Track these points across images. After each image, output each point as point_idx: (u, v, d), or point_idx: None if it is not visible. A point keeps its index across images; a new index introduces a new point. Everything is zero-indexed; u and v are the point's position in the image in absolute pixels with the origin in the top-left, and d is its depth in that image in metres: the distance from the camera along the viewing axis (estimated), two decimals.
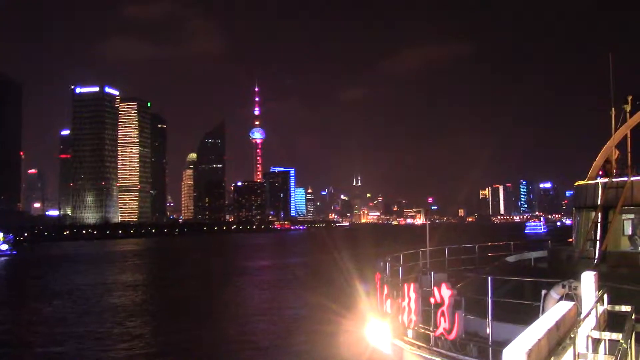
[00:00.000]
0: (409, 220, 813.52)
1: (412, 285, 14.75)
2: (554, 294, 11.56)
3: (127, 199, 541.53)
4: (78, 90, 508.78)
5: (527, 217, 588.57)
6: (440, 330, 13.36)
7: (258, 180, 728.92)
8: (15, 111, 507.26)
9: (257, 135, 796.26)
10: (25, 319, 57.64)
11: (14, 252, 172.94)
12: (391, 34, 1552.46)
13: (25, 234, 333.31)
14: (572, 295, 10.72)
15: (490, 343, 12.31)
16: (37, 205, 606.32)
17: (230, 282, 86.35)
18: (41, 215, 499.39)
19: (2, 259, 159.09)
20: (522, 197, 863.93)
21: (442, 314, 13.23)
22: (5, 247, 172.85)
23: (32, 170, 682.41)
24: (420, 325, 14.38)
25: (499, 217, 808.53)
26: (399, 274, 17.02)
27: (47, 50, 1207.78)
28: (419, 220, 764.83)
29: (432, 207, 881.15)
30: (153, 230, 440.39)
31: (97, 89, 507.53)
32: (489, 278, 12.59)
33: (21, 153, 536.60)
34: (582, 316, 9.23)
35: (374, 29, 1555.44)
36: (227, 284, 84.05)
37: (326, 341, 40.64)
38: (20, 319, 58.03)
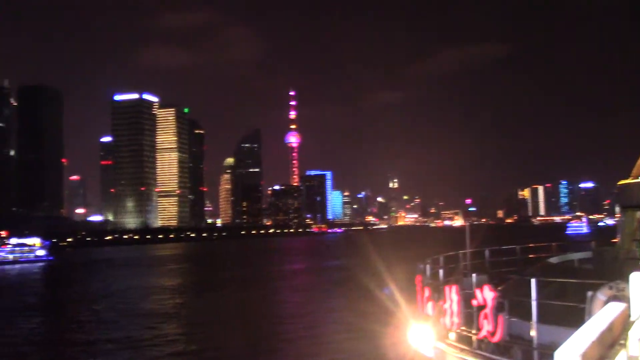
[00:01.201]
0: (447, 222, 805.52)
1: (453, 288, 14.66)
2: (601, 295, 11.35)
3: (167, 203, 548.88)
4: (117, 97, 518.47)
5: (568, 217, 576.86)
6: (483, 332, 13.23)
7: (295, 184, 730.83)
8: (57, 119, 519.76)
9: (293, 139, 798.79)
10: (63, 322, 58.78)
11: (51, 258, 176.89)
12: (427, 35, 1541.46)
13: (69, 239, 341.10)
14: (619, 297, 10.51)
15: (535, 346, 12.17)
16: (80, 211, 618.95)
17: (267, 286, 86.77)
18: (84, 221, 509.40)
19: (40, 264, 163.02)
20: (563, 197, 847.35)
21: (485, 316, 13.12)
22: (42, 252, 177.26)
23: (75, 177, 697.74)
24: (463, 328, 14.27)
25: (538, 218, 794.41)
26: (440, 276, 16.93)
27: (88, 58, 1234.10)
28: (457, 221, 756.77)
29: (470, 209, 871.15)
30: (192, 235, 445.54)
31: (136, 96, 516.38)
32: (533, 280, 12.44)
33: (64, 160, 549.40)
34: (632, 318, 8.85)
35: (409, 31, 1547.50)
36: (264, 288, 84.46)
37: (367, 345, 40.50)
38: (58, 323, 59.24)
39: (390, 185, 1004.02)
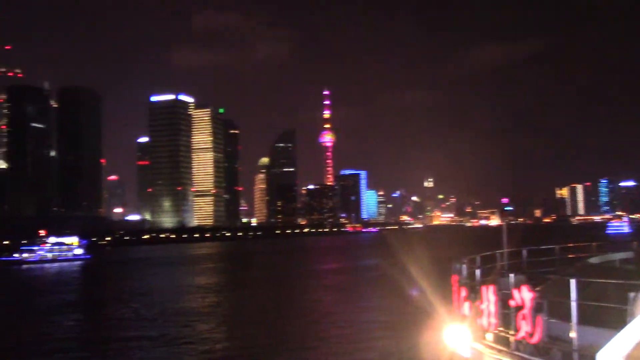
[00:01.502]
0: (483, 222, 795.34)
1: (490, 288, 14.45)
2: None
3: (202, 203, 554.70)
4: (154, 98, 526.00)
5: (608, 217, 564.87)
6: (521, 333, 13.00)
7: (329, 183, 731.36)
8: (96, 120, 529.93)
9: (327, 139, 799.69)
10: (100, 320, 59.76)
11: (88, 256, 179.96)
12: (459, 33, 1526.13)
13: (108, 239, 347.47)
14: None
15: (575, 347, 11.92)
16: (118, 210, 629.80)
17: (302, 285, 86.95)
18: (122, 220, 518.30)
19: (78, 262, 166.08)
20: (603, 197, 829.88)
21: (524, 317, 12.90)
22: (80, 251, 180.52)
23: (113, 177, 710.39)
24: (500, 329, 14.07)
25: (577, 218, 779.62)
26: (477, 276, 16.71)
27: (125, 60, 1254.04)
28: (494, 221, 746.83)
29: (507, 208, 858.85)
30: (227, 234, 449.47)
31: (172, 96, 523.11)
32: (573, 280, 12.19)
33: (102, 161, 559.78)
34: None
35: (441, 29, 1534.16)
36: (298, 287, 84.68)
37: (403, 345, 40.27)
38: (95, 320, 60.26)
39: (425, 184, 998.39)
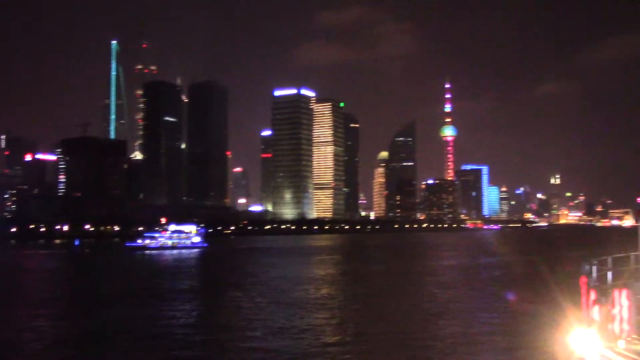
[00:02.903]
0: (615, 222, 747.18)
1: (623, 292, 13.45)
2: None
3: (322, 196, 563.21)
4: (277, 92, 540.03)
5: None
6: None
7: (449, 179, 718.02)
8: (222, 114, 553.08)
9: (448, 133, 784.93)
10: (215, 307, 61.87)
11: (206, 244, 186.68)
12: (589, 23, 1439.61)
13: (232, 228, 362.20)
14: None
15: None
16: (242, 201, 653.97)
17: (418, 280, 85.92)
18: (245, 211, 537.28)
19: (196, 250, 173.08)
20: None
21: None
22: (198, 239, 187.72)
23: (238, 169, 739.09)
24: (634, 336, 13.06)
25: None
26: (608, 279, 15.63)
27: (250, 56, 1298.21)
28: (627, 221, 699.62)
29: None
30: (346, 227, 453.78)
31: (294, 91, 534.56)
32: None
33: (228, 153, 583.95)
34: None
35: (569, 19, 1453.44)
36: (414, 282, 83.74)
37: (525, 349, 38.66)
38: (211, 307, 62.49)
39: (552, 181, 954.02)
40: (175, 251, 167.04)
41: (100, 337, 45.87)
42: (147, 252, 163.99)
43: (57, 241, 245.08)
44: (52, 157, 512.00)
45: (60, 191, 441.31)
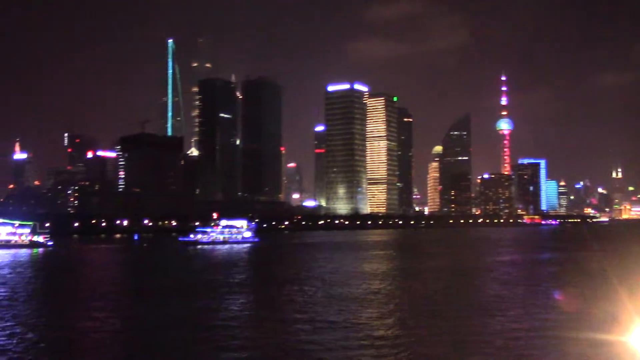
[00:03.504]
0: None
1: None
2: None
3: (376, 191, 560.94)
4: (330, 88, 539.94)
5: None
6: None
7: (506, 173, 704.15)
8: (276, 110, 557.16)
9: (504, 126, 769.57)
10: (265, 301, 62.48)
11: (257, 239, 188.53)
12: None
13: (286, 223, 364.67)
14: None
15: None
16: (295, 196, 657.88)
17: (471, 276, 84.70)
18: (299, 206, 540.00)
19: (246, 245, 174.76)
20: None
21: None
22: (249, 234, 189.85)
23: (292, 164, 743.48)
24: None
25: None
26: None
27: (303, 52, 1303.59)
28: None
29: None
30: (400, 222, 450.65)
31: (347, 86, 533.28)
32: None
33: (282, 148, 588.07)
34: None
35: (628, 9, 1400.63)
36: (467, 278, 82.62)
37: (583, 348, 37.70)
38: (261, 301, 63.13)
39: (614, 175, 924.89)
40: (226, 246, 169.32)
41: (159, 327, 47.15)
42: (199, 246, 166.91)
43: (118, 236, 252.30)
44: (112, 154, 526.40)
45: (120, 187, 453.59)
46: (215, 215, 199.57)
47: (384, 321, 48.51)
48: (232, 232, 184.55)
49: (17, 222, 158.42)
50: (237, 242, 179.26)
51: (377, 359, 36.22)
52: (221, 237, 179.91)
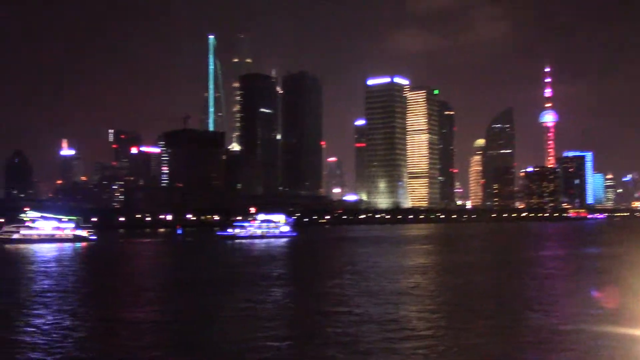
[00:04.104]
0: None
1: None
2: None
3: (417, 185, 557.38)
4: (370, 82, 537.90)
5: None
6: None
7: (550, 166, 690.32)
8: (316, 105, 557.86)
9: (548, 118, 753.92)
10: (304, 294, 63.00)
11: (295, 234, 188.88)
12: None
13: (327, 217, 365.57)
14: None
15: None
16: (336, 190, 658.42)
17: (515, 271, 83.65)
18: (340, 200, 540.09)
19: (284, 239, 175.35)
20: None
21: None
22: (286, 228, 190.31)
23: (332, 159, 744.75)
24: None
25: None
26: None
27: (343, 46, 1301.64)
28: None
29: None
30: (441, 216, 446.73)
31: (387, 79, 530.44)
32: None
33: (322, 143, 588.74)
34: None
35: None
36: (510, 273, 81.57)
37: (623, 343, 37.08)
38: (300, 294, 63.60)
39: None
40: (264, 240, 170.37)
41: (209, 317, 48.28)
42: (237, 240, 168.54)
43: (162, 230, 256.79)
44: (156, 150, 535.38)
45: (164, 182, 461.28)
46: (252, 210, 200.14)
47: (423, 315, 48.48)
48: (269, 227, 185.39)
49: (65, 217, 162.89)
50: (275, 236, 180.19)
51: (418, 350, 36.26)
52: (259, 232, 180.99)
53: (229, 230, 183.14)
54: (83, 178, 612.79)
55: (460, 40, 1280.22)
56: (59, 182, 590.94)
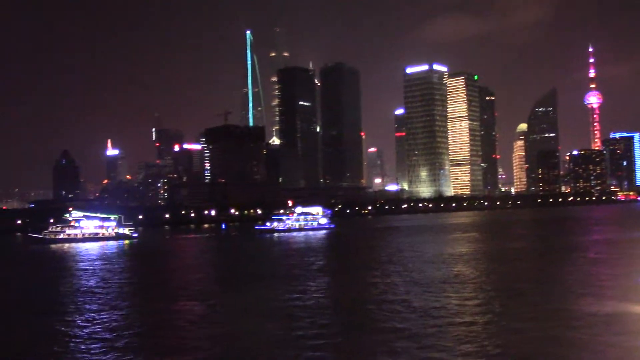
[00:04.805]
0: None
1: None
2: None
3: (459, 172, 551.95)
4: (409, 70, 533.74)
5: None
6: None
7: (596, 148, 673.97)
8: (355, 95, 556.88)
9: (593, 100, 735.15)
10: (347, 284, 63.19)
11: (333, 226, 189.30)
12: None
13: (369, 208, 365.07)
14: None
15: None
16: (377, 180, 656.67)
17: (561, 257, 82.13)
18: (381, 190, 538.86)
19: (323, 232, 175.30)
20: None
21: None
22: (324, 220, 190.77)
23: (372, 149, 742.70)
24: None
25: None
26: None
27: (379, 36, 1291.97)
28: None
29: None
30: (485, 203, 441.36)
31: (426, 67, 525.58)
32: None
33: (362, 133, 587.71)
34: None
35: None
36: (557, 259, 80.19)
37: None
38: (343, 285, 63.78)
39: None
40: (302, 233, 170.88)
41: (255, 310, 48.94)
42: (276, 234, 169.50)
43: (206, 226, 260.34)
44: (198, 147, 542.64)
45: (207, 178, 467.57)
46: (290, 203, 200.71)
47: (467, 303, 48.19)
48: (307, 219, 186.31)
49: (108, 216, 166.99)
50: (313, 229, 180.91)
51: (463, 339, 36.14)
52: (297, 225, 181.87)
53: (267, 224, 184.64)
54: (128, 177, 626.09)
55: (500, 23, 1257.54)
56: (105, 181, 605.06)
